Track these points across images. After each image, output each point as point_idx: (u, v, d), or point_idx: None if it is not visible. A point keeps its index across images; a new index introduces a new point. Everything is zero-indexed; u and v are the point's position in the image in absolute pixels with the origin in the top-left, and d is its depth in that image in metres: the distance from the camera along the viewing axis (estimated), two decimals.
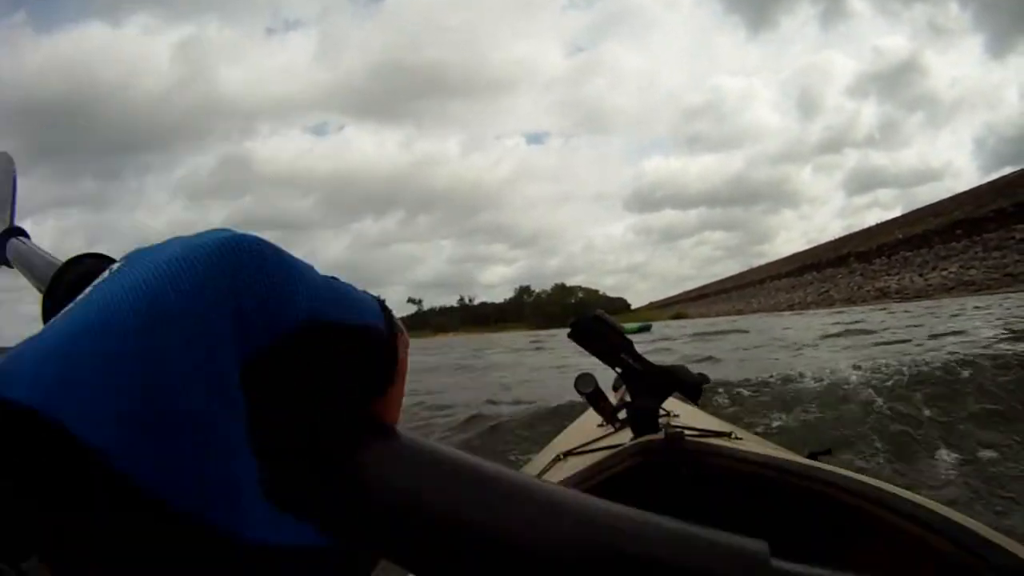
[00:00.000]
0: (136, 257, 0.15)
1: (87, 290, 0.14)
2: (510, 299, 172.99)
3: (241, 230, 0.15)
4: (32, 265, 0.50)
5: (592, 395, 1.07)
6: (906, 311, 23.74)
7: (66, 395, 0.12)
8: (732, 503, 0.87)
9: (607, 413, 1.10)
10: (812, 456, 1.04)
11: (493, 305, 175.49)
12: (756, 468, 0.84)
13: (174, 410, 0.13)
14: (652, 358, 1.01)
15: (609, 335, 0.98)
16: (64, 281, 0.31)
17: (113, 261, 0.16)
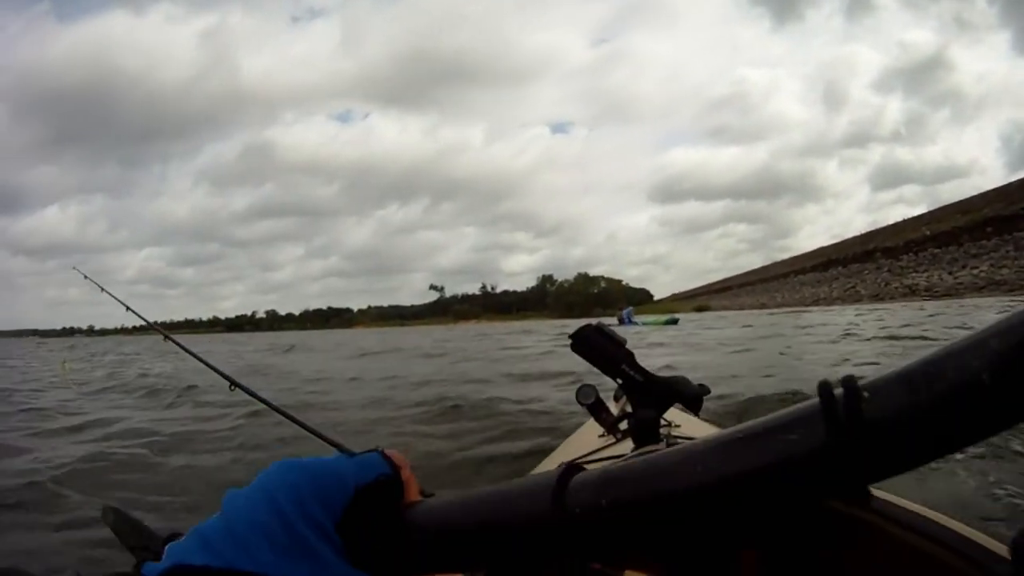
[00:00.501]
0: (232, 495, 0.30)
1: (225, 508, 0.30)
2: (533, 288, 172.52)
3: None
4: None
5: (594, 406, 1.08)
6: (940, 311, 22.08)
7: (245, 553, 0.26)
8: None
9: (609, 424, 1.10)
10: None
11: (516, 293, 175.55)
12: None
13: (306, 547, 0.27)
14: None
15: (610, 346, 0.98)
16: None
17: None
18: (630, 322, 28.09)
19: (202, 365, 1.61)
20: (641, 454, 0.26)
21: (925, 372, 0.23)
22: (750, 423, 0.26)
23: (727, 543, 0.77)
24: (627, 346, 0.97)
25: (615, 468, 0.28)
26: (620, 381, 0.96)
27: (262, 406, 1.44)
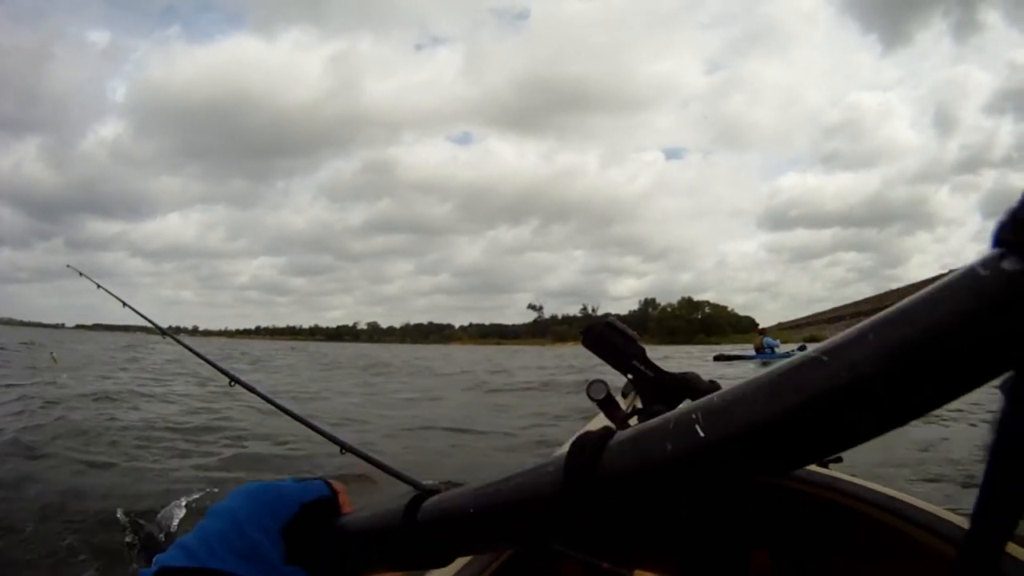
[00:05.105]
0: (212, 509, 0.40)
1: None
2: (635, 311, 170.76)
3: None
4: None
5: (604, 401, 1.04)
6: None
7: (213, 556, 0.36)
8: (741, 508, 0.90)
9: (619, 419, 1.06)
10: (822, 463, 1.01)
11: (617, 317, 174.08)
12: None
13: (257, 550, 0.37)
14: None
15: (621, 342, 0.96)
16: None
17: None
18: (773, 355, 19.30)
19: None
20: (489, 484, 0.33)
21: (651, 432, 0.27)
22: (521, 469, 0.31)
23: (737, 542, 0.88)
24: None
25: (452, 493, 0.37)
26: (630, 376, 0.98)
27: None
